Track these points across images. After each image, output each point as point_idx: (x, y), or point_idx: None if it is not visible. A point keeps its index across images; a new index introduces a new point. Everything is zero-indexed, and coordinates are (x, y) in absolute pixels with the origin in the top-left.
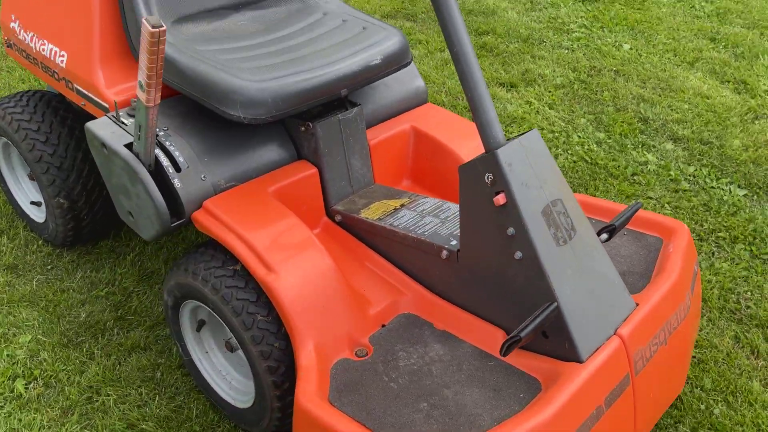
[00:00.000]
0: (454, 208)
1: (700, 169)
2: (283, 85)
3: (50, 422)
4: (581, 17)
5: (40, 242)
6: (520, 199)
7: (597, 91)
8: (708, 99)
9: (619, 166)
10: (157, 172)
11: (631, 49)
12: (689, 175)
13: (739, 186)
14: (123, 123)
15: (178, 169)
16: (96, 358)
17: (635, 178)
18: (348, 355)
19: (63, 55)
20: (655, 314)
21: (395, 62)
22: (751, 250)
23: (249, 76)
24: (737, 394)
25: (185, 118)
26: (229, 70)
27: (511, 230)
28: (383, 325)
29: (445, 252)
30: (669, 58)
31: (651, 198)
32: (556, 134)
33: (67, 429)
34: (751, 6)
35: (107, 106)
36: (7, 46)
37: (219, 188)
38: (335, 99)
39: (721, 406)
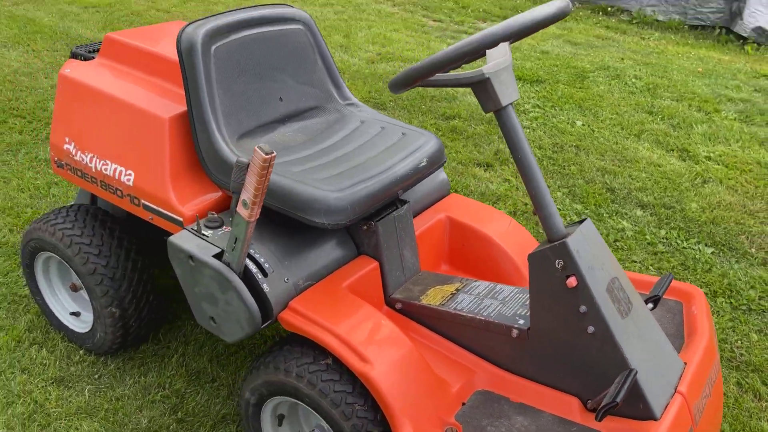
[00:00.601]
0: (507, 289)
1: (670, 232)
2: (356, 192)
3: None
4: (533, 98)
5: (81, 352)
6: (589, 280)
7: (564, 165)
8: (660, 167)
9: (601, 234)
10: (245, 278)
11: (583, 125)
12: (662, 238)
13: (706, 245)
14: (205, 235)
15: (265, 274)
16: None
17: (617, 244)
18: None
19: (129, 174)
20: (701, 371)
21: (436, 162)
22: (731, 302)
23: (327, 187)
24: None
25: (260, 226)
26: (307, 181)
27: (583, 308)
28: (463, 403)
29: (515, 331)
30: (617, 131)
31: (635, 262)
32: None
33: None
34: (674, 81)
35: (181, 220)
36: (58, 166)
37: (299, 288)
38: (392, 199)
39: None
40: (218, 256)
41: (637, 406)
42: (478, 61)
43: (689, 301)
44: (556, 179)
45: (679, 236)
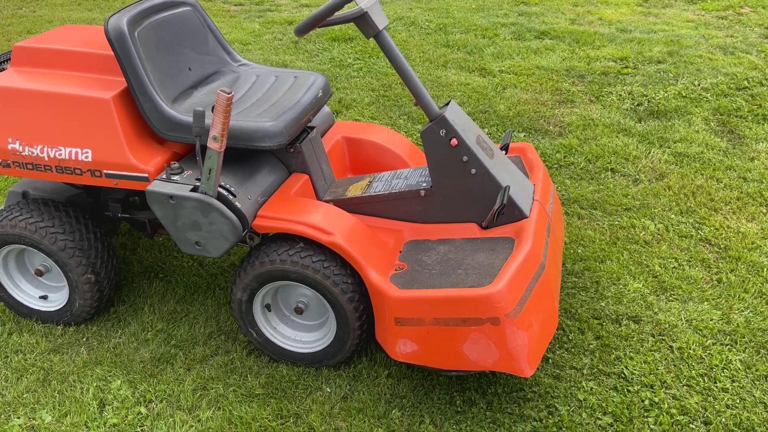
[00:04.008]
0: (405, 171)
1: (490, 129)
2: (284, 119)
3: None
4: (351, 53)
5: (60, 327)
6: (465, 138)
7: (396, 100)
8: (468, 85)
9: None
10: (220, 200)
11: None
12: (486, 134)
13: (519, 131)
14: (175, 180)
15: (233, 195)
16: (184, 376)
17: None
18: (392, 272)
19: (87, 152)
20: (545, 187)
21: (327, 93)
22: (546, 164)
23: (262, 120)
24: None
25: (200, 154)
26: (246, 119)
27: (464, 158)
28: (400, 251)
29: (422, 191)
30: (428, 65)
31: None
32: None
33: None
34: (457, 18)
35: (146, 176)
36: (4, 167)
37: (259, 203)
38: (305, 126)
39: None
40: (193, 190)
41: (513, 213)
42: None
43: (524, 153)
44: (395, 110)
45: (498, 130)
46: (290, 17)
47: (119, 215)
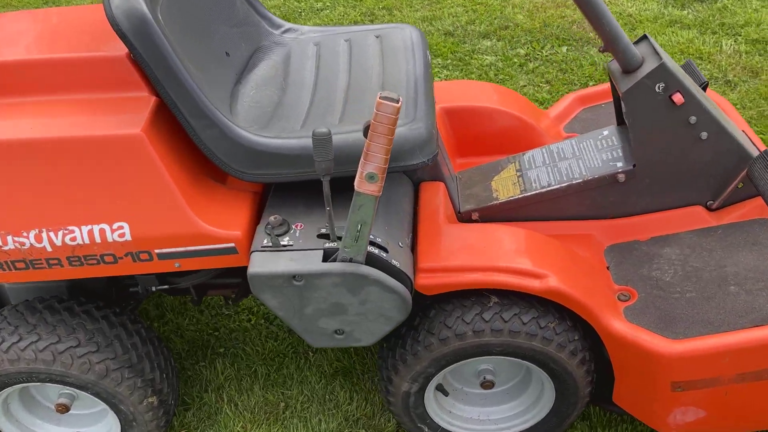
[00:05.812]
0: (565, 146)
1: (524, 47)
2: (425, 114)
3: None
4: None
5: None
6: (693, 91)
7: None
8: None
9: (475, 74)
10: (372, 264)
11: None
12: (524, 56)
13: (558, 46)
14: (287, 245)
15: (385, 250)
16: None
17: (499, 77)
18: (621, 305)
19: (121, 227)
20: (755, 137)
21: (429, 49)
22: None
23: (402, 121)
24: None
25: (337, 204)
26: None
27: (692, 119)
28: (607, 267)
29: (620, 174)
30: None
31: (525, 85)
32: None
33: None
34: None
35: (232, 245)
36: None
37: (411, 247)
38: None
39: None
40: (327, 259)
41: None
42: None
43: None
44: None
45: (534, 48)
46: None
47: (154, 289)
